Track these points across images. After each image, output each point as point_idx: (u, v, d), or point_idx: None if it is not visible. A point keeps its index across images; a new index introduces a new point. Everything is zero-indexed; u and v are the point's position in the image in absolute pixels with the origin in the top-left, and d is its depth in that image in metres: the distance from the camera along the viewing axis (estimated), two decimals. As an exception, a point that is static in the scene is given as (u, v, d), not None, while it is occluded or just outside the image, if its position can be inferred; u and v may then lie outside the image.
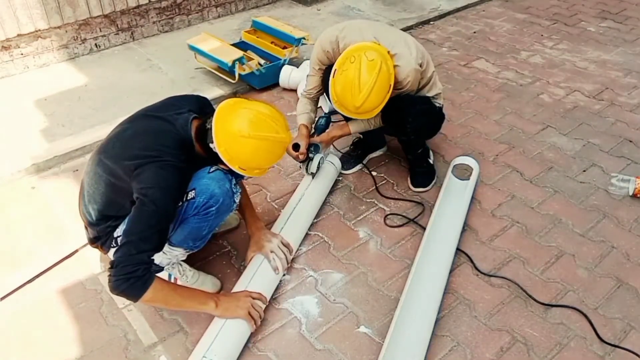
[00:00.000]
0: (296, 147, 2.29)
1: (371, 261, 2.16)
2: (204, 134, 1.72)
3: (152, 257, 1.61)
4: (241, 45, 3.57)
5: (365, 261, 2.16)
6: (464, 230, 2.27)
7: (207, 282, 2.01)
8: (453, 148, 2.81)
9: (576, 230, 2.29)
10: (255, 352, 1.81)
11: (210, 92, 3.24)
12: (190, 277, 1.99)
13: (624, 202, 2.45)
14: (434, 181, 2.54)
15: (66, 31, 3.60)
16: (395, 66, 2.11)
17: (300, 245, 2.22)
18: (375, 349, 1.80)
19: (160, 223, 1.62)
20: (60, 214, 2.40)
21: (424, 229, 2.21)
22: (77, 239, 2.19)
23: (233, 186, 1.80)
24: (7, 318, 1.95)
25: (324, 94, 2.46)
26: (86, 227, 1.90)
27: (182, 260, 1.98)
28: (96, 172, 1.77)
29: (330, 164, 2.51)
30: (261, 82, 3.33)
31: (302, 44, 3.42)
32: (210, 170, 1.76)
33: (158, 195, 1.60)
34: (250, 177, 2.21)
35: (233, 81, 3.25)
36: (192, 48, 3.40)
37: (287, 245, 2.07)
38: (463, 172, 2.52)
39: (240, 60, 3.18)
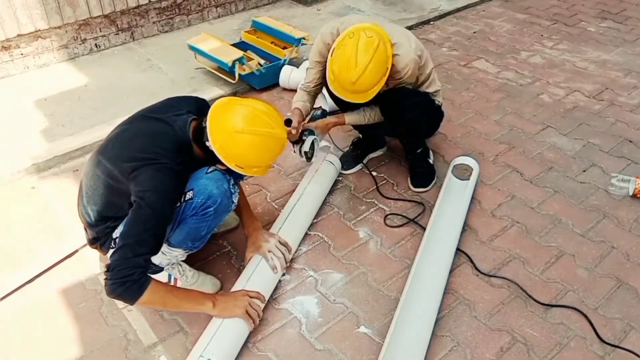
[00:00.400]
0: (288, 122, 2.22)
1: (371, 261, 2.16)
2: (201, 133, 1.72)
3: (148, 260, 1.61)
4: (241, 45, 3.57)
5: (365, 261, 2.16)
6: (464, 230, 2.27)
7: (206, 283, 2.01)
8: (453, 148, 2.81)
9: (576, 231, 2.29)
10: (255, 352, 1.81)
11: (210, 92, 3.24)
12: (190, 278, 1.99)
13: (624, 202, 2.45)
14: (434, 181, 2.54)
15: (66, 31, 3.60)
16: (394, 55, 2.10)
17: (300, 246, 2.22)
18: (375, 349, 1.80)
19: (157, 226, 1.62)
20: (60, 214, 2.40)
21: (424, 229, 2.21)
22: (77, 239, 2.18)
23: (231, 186, 1.80)
24: (7, 318, 1.95)
25: (323, 92, 2.46)
26: (85, 228, 1.90)
27: (182, 261, 1.98)
28: (95, 174, 1.77)
29: (329, 164, 2.50)
30: (261, 82, 3.33)
31: (302, 44, 3.42)
32: (208, 171, 1.76)
33: (154, 199, 1.60)
34: (250, 177, 2.20)
35: (233, 81, 3.25)
36: (192, 48, 3.40)
37: (285, 244, 2.07)
38: (463, 172, 2.52)
39: (240, 60, 3.18)
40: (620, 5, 4.65)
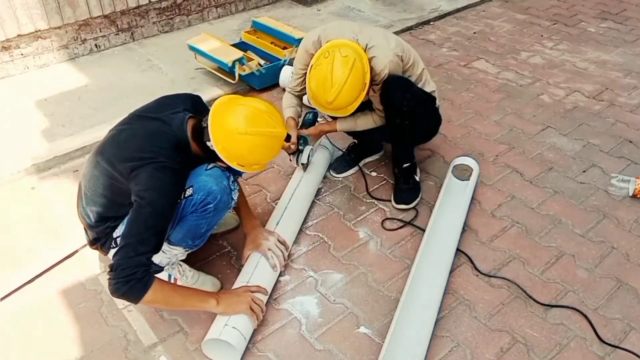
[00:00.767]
0: (287, 138, 2.26)
1: (371, 261, 2.16)
2: (200, 132, 1.72)
3: (150, 259, 1.61)
4: (241, 45, 3.57)
5: (365, 261, 2.16)
6: (464, 230, 2.27)
7: (207, 283, 2.01)
8: (453, 148, 2.81)
9: (576, 231, 2.29)
10: (255, 352, 1.81)
11: (210, 92, 3.24)
12: (190, 278, 1.99)
13: (624, 202, 2.45)
14: (417, 199, 2.43)
15: (66, 31, 3.60)
16: (371, 58, 2.10)
17: (300, 246, 2.22)
18: (375, 349, 1.80)
19: (158, 225, 1.62)
20: (60, 214, 2.40)
21: (423, 230, 2.21)
22: (77, 239, 2.18)
23: (231, 183, 1.80)
24: (7, 318, 1.95)
25: None
26: (85, 230, 1.90)
27: (182, 261, 1.99)
28: (94, 174, 1.77)
29: (324, 149, 2.53)
30: (261, 83, 3.33)
31: (302, 44, 3.42)
32: (208, 167, 1.77)
33: (154, 197, 1.60)
34: (249, 173, 2.21)
35: (233, 81, 3.25)
36: (192, 48, 3.40)
37: (283, 243, 2.08)
38: (463, 173, 2.52)
39: (240, 60, 3.18)
40: (620, 6, 4.66)
